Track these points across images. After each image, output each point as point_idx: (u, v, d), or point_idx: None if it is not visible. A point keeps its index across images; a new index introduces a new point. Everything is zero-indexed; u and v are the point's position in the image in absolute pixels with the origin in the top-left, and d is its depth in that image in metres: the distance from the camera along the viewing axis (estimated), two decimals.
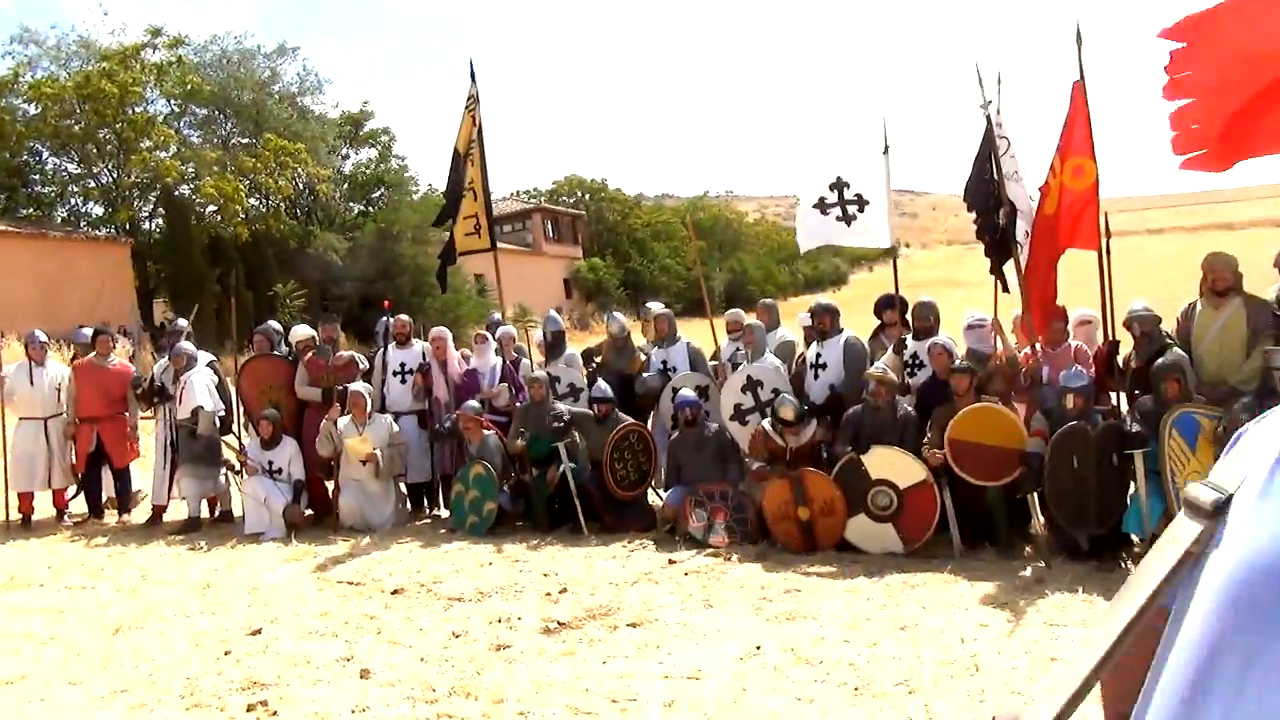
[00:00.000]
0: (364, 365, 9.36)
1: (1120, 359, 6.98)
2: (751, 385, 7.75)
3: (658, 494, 8.31)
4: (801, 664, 4.72)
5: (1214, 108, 7.11)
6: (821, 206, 8.11)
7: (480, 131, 8.67)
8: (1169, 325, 6.95)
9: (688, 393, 7.88)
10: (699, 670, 4.72)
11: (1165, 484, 6.05)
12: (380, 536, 8.21)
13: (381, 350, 9.47)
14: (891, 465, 6.79)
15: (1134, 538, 6.42)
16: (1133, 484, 6.24)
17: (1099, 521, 6.27)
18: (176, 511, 9.22)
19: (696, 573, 6.47)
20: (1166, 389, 6.29)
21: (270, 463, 8.64)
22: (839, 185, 8.17)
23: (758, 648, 4.96)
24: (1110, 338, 7.06)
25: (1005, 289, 7.44)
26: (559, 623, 5.55)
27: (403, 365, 9.25)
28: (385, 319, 9.80)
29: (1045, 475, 6.28)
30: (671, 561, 6.77)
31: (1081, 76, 7.25)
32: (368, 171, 36.18)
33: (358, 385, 8.92)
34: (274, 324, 10.21)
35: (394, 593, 6.41)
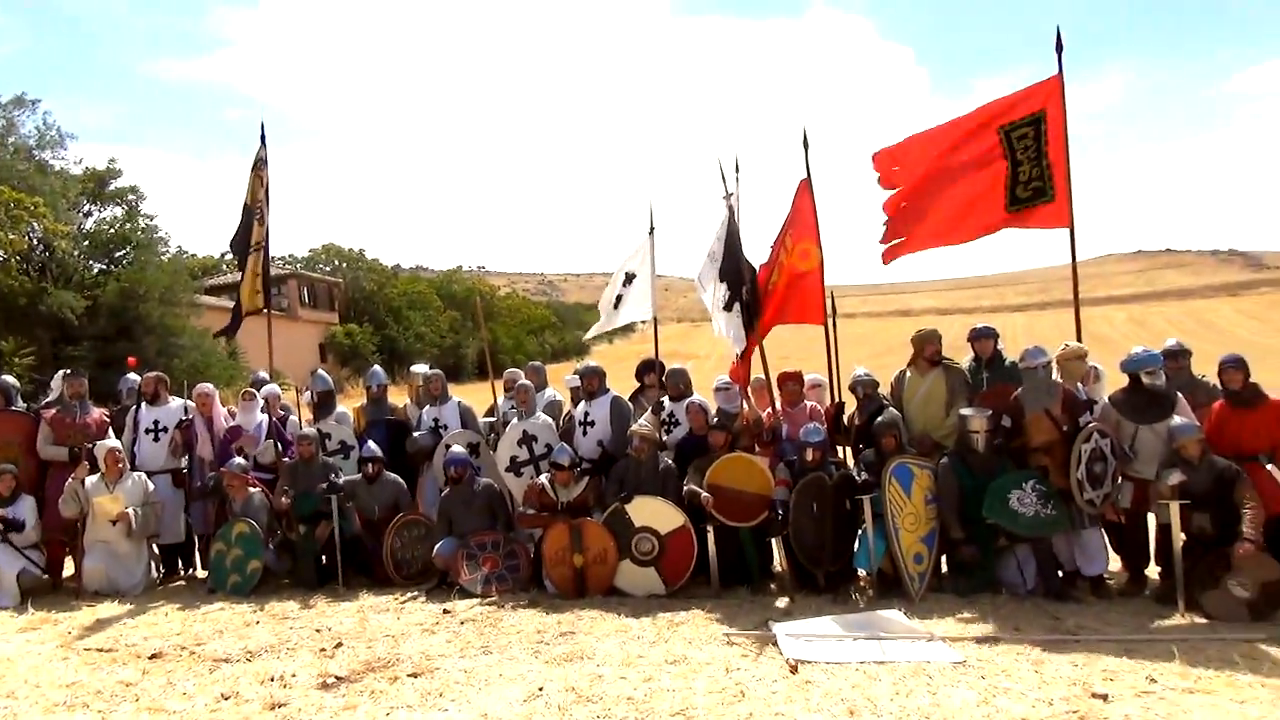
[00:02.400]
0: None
1: (845, 418, 7.51)
2: (527, 439, 7.70)
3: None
4: (583, 702, 4.64)
5: (912, 212, 7.99)
6: (614, 302, 8.48)
7: (267, 193, 8.25)
8: (884, 389, 7.55)
9: (457, 450, 7.69)
10: (485, 714, 4.53)
11: (887, 525, 6.51)
12: (131, 600, 7.34)
13: (133, 408, 8.58)
14: (653, 513, 6.89)
15: (861, 572, 6.85)
16: (861, 526, 6.67)
17: (834, 559, 6.66)
18: None
19: (473, 620, 6.24)
20: (885, 443, 6.82)
21: (10, 517, 7.54)
22: (629, 279, 8.52)
23: (540, 689, 4.83)
24: (836, 400, 7.60)
25: (742, 357, 7.84)
26: (336, 677, 5.15)
27: (156, 423, 8.42)
28: (128, 376, 8.95)
29: (790, 519, 6.61)
30: (447, 611, 6.50)
31: (808, 174, 7.89)
32: (112, 230, 33.01)
33: (110, 441, 8.02)
34: (9, 379, 8.99)
35: (151, 657, 5.72)
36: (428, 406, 8.57)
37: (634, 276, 8.43)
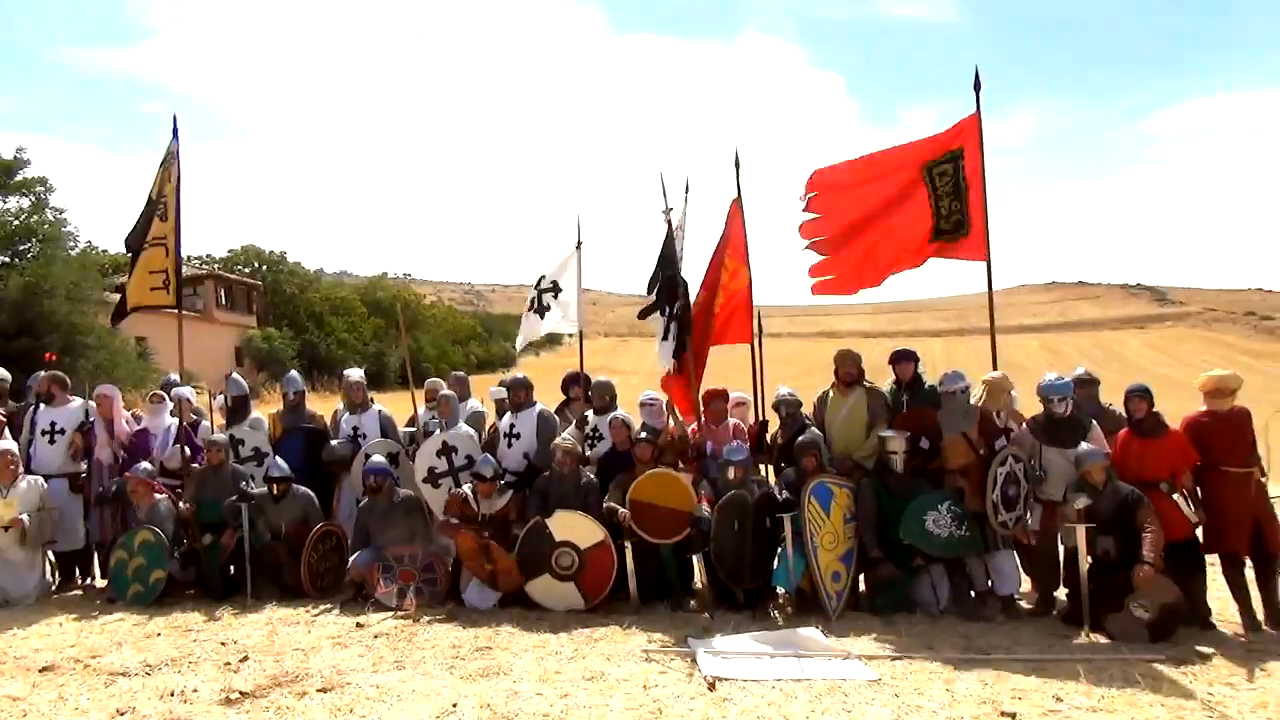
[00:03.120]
0: None
1: (768, 436, 7.57)
2: (446, 450, 7.58)
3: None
4: (498, 719, 4.56)
5: (838, 246, 8.08)
6: (539, 310, 8.40)
7: (178, 189, 7.97)
8: (808, 409, 7.64)
9: (377, 459, 7.54)
10: None
11: (806, 544, 6.57)
12: (23, 610, 7.00)
13: (30, 408, 8.21)
14: (574, 528, 6.85)
15: (780, 590, 6.90)
16: (781, 544, 6.72)
17: (754, 577, 6.69)
18: None
19: (386, 635, 6.11)
20: (805, 462, 6.89)
21: None
22: (539, 282, 8.48)
23: (454, 705, 4.75)
24: (760, 418, 7.67)
25: (679, 372, 7.84)
26: (241, 693, 4.99)
27: (53, 424, 8.06)
28: (40, 374, 8.55)
29: (711, 537, 6.62)
30: (360, 625, 6.34)
31: (739, 194, 7.98)
32: (16, 221, 31.56)
33: (4, 443, 7.64)
34: None
35: (43, 670, 5.47)
36: (347, 414, 8.37)
37: (560, 289, 8.39)
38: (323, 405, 9.83)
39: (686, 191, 7.74)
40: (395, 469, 7.77)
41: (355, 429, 8.23)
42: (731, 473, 6.80)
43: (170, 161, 8.03)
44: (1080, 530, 6.01)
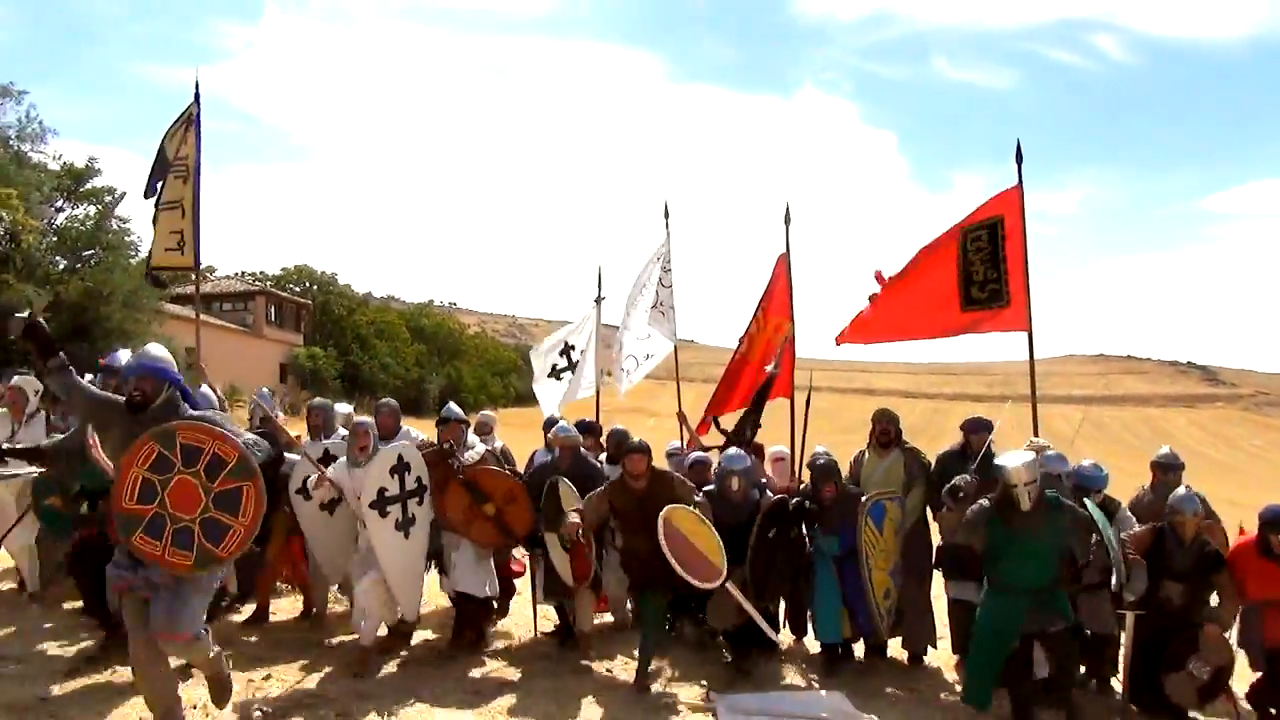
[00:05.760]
0: None
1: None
2: (401, 468, 6.16)
3: None
4: None
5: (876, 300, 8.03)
6: (555, 374, 8.40)
7: (198, 152, 7.99)
8: (844, 470, 7.48)
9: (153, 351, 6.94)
10: None
11: (861, 567, 6.23)
12: (51, 606, 7.05)
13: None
14: (574, 503, 6.24)
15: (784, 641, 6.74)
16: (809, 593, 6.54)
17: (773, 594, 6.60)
18: None
19: (408, 664, 6.08)
20: (825, 491, 6.50)
21: None
22: (567, 350, 8.49)
23: None
24: (797, 476, 7.53)
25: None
26: (262, 711, 4.98)
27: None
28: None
29: (750, 544, 6.22)
30: (384, 651, 6.32)
31: (787, 249, 8.01)
32: (83, 228, 32.46)
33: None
34: None
35: (68, 674, 5.46)
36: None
37: (577, 350, 8.43)
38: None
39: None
40: None
41: None
42: (735, 482, 6.41)
43: (190, 122, 8.03)
44: (1130, 617, 5.76)
